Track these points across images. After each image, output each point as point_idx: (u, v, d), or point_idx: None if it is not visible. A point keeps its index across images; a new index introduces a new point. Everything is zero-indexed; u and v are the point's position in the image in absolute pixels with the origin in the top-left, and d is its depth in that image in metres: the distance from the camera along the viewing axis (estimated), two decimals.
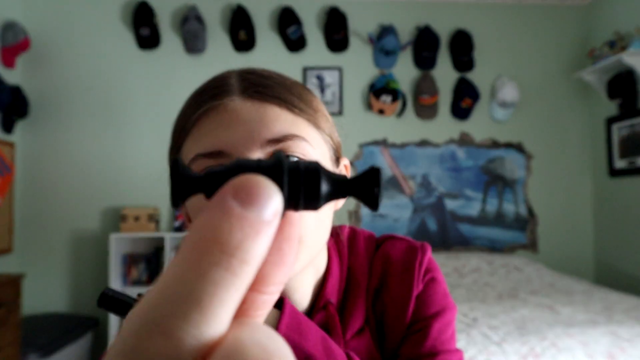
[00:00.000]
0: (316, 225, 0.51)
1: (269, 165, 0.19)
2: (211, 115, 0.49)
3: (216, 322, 0.15)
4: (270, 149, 0.47)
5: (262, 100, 0.49)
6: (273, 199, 0.17)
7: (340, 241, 0.62)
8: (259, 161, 0.19)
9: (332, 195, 0.20)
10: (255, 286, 0.18)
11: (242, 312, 0.18)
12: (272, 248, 0.18)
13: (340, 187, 0.20)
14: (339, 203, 0.59)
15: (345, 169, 0.60)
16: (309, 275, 0.55)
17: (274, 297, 0.19)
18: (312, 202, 0.19)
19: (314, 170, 0.19)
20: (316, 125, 0.52)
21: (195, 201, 0.51)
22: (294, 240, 0.18)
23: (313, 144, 0.50)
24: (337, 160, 0.57)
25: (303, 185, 0.19)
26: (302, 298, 0.55)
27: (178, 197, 0.19)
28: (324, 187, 0.19)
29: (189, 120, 0.51)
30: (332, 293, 0.57)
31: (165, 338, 0.14)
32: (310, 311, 0.56)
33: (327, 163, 0.53)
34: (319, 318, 0.55)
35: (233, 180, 0.17)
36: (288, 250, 0.18)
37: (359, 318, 0.57)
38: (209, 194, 0.19)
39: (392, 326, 0.58)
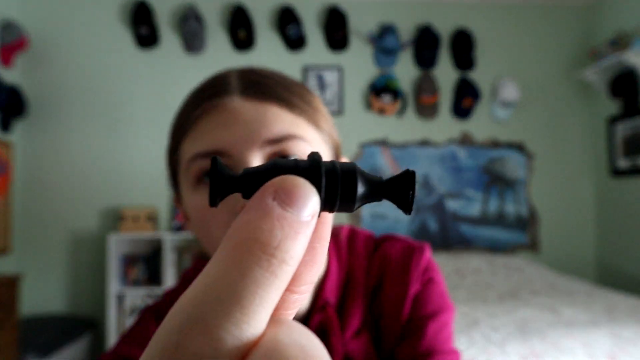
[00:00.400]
0: None
1: (306, 165, 0.19)
2: (210, 115, 0.48)
3: (256, 321, 0.15)
4: (269, 149, 0.47)
5: (261, 100, 0.49)
6: (311, 199, 0.17)
7: (340, 241, 0.62)
8: (296, 161, 0.19)
9: (368, 198, 0.20)
10: (289, 285, 0.18)
11: (274, 311, 0.18)
12: (307, 248, 0.18)
13: (375, 189, 0.20)
14: None
15: None
16: None
17: (306, 297, 0.19)
18: (348, 203, 0.19)
19: (351, 171, 0.19)
20: (316, 124, 0.52)
21: (196, 201, 0.50)
22: (326, 240, 0.19)
23: (312, 144, 0.50)
24: (336, 159, 0.56)
25: (340, 187, 0.19)
26: None
27: (217, 195, 0.19)
28: (360, 189, 0.20)
29: (188, 120, 0.50)
30: (331, 294, 0.56)
31: (207, 336, 0.14)
32: (309, 312, 0.56)
33: None
34: (317, 319, 0.54)
35: (272, 181, 0.17)
36: (320, 250, 0.18)
37: (357, 319, 0.56)
38: (246, 194, 0.19)
39: (388, 326, 0.57)
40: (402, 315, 0.57)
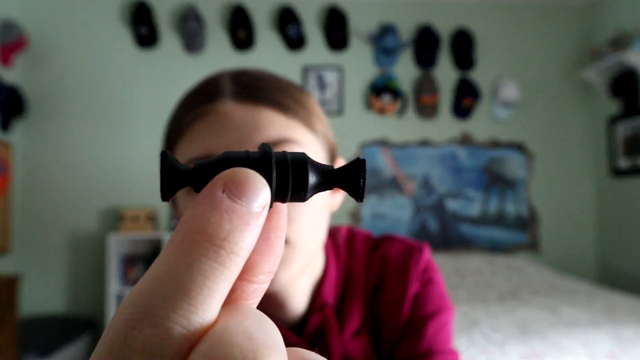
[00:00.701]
0: (309, 228, 0.49)
1: (257, 157, 0.19)
2: (204, 120, 0.48)
3: (205, 311, 0.15)
4: None
5: (255, 104, 0.48)
6: (261, 191, 0.17)
7: (338, 242, 0.62)
8: (246, 153, 0.19)
9: (319, 187, 0.20)
10: (245, 275, 0.18)
11: (231, 301, 0.18)
12: (260, 238, 0.18)
13: (327, 178, 0.20)
14: (335, 204, 0.58)
15: None
16: (306, 278, 0.55)
17: (264, 286, 0.19)
18: (300, 193, 0.20)
19: (301, 161, 0.20)
20: (310, 127, 0.52)
21: (188, 199, 0.50)
22: (282, 230, 0.19)
23: (307, 147, 0.50)
24: (332, 161, 0.56)
25: (291, 177, 0.19)
26: (299, 302, 0.55)
27: (167, 190, 0.19)
28: (312, 178, 0.20)
29: (181, 124, 0.50)
30: (329, 294, 0.56)
31: (154, 327, 0.14)
32: (307, 313, 0.56)
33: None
34: (316, 319, 0.54)
35: (222, 174, 0.17)
36: (276, 240, 0.19)
37: (356, 319, 0.56)
38: (197, 188, 0.19)
39: (388, 327, 0.57)
40: (401, 315, 0.57)
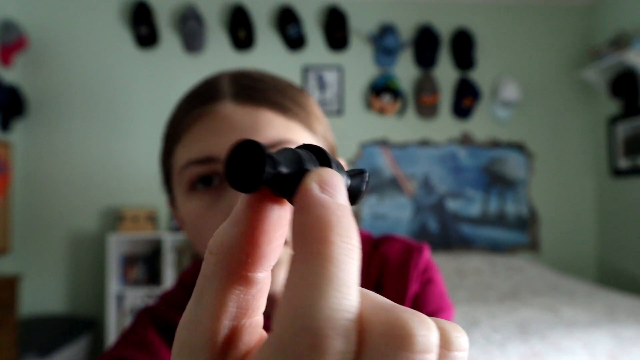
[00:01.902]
0: None
1: (317, 157, 0.20)
2: (203, 121, 0.48)
3: (358, 301, 0.17)
4: None
5: (254, 105, 0.48)
6: (343, 183, 0.18)
7: None
8: (309, 154, 0.20)
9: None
10: (254, 269, 0.19)
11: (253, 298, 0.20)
12: (272, 234, 0.20)
13: (353, 179, 0.22)
14: None
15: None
16: None
17: (268, 284, 0.21)
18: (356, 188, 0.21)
19: (339, 163, 0.21)
20: (310, 128, 0.52)
21: (190, 207, 0.50)
22: (287, 226, 0.21)
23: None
24: None
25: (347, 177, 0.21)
26: None
27: (257, 183, 0.18)
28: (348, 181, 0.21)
29: (180, 125, 0.50)
30: None
31: (338, 332, 0.16)
32: None
33: None
34: None
35: (313, 176, 0.18)
36: (281, 238, 0.20)
37: None
38: (287, 194, 0.19)
39: None
40: None
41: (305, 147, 0.20)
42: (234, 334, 0.19)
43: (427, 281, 0.59)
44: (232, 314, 0.19)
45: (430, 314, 0.57)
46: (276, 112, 0.49)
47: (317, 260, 0.17)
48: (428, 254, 0.61)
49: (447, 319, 0.58)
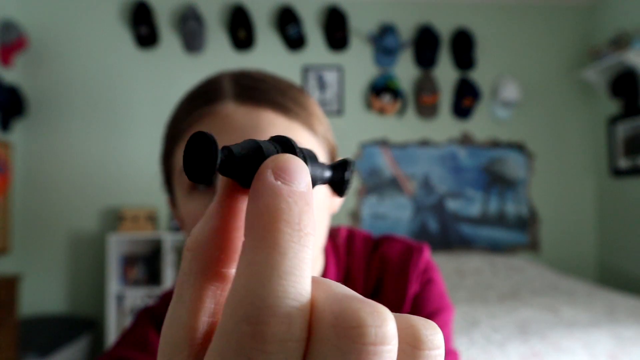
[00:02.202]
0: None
1: (281, 143, 0.20)
2: (204, 121, 0.48)
3: (308, 289, 0.17)
4: None
5: (255, 106, 0.48)
6: (305, 171, 0.18)
7: (338, 242, 0.61)
8: (273, 144, 0.20)
9: (320, 180, 0.21)
10: (224, 266, 0.20)
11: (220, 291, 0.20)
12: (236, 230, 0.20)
13: (332, 169, 0.22)
14: (335, 206, 0.58)
15: None
16: None
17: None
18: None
19: (311, 153, 0.21)
20: (311, 128, 0.52)
21: (190, 207, 0.50)
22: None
23: (309, 147, 0.50)
24: (332, 162, 0.56)
25: (310, 165, 0.20)
26: None
27: (210, 173, 0.18)
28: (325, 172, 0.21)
29: (181, 126, 0.50)
30: None
31: (277, 317, 0.16)
32: None
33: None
34: None
35: (265, 163, 0.18)
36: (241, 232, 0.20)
37: None
38: (244, 182, 0.19)
39: None
40: None
41: (273, 139, 0.20)
42: (212, 329, 0.20)
43: (427, 281, 0.59)
44: (210, 310, 0.19)
45: (430, 313, 0.57)
46: (277, 113, 0.49)
47: (262, 248, 0.17)
48: (428, 254, 0.61)
49: (447, 319, 0.58)
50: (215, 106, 0.48)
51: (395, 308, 0.57)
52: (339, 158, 0.58)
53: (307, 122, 0.51)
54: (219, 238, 0.19)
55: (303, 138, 0.50)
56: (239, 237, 0.19)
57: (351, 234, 0.64)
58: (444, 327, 0.57)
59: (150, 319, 0.58)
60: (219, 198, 0.19)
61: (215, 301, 0.19)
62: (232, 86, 0.50)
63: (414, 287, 0.58)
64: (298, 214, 0.17)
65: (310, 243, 0.17)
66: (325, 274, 0.57)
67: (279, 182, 0.17)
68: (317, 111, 0.54)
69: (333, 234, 0.63)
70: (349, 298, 0.17)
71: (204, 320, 0.19)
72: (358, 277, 0.59)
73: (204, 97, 0.50)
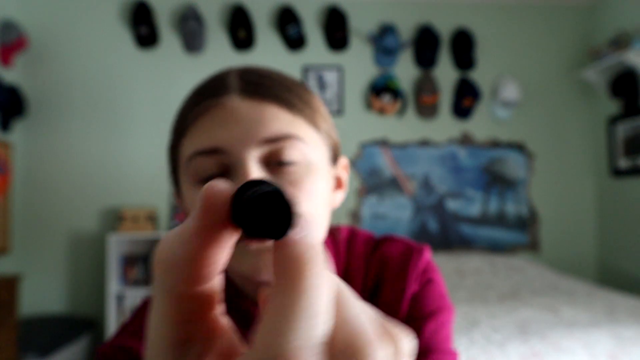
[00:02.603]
0: (311, 206, 0.50)
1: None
2: (210, 114, 0.49)
3: (326, 328, 0.19)
4: (267, 148, 0.48)
5: (260, 100, 0.49)
6: (315, 223, 0.20)
7: (338, 241, 0.61)
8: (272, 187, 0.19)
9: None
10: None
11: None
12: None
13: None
14: (336, 202, 0.58)
15: (343, 168, 0.60)
16: None
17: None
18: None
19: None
20: (314, 125, 0.52)
21: (195, 198, 0.50)
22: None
23: (310, 145, 0.51)
24: (335, 159, 0.57)
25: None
26: None
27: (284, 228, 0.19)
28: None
29: (187, 118, 0.51)
30: None
31: (314, 352, 0.18)
32: None
33: (325, 163, 0.53)
34: None
35: (295, 216, 0.19)
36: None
37: None
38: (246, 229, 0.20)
39: None
40: (399, 315, 0.57)
41: (255, 183, 0.20)
42: (191, 334, 0.21)
43: (427, 281, 0.59)
44: (183, 317, 0.20)
45: (429, 313, 0.57)
46: (281, 107, 0.50)
47: (292, 293, 0.18)
48: (429, 255, 0.61)
49: (446, 319, 0.58)
50: (221, 99, 0.49)
51: (392, 308, 0.57)
52: (342, 157, 0.59)
53: (311, 119, 0.52)
54: (191, 264, 0.19)
55: (306, 134, 0.51)
56: (209, 264, 0.20)
57: (353, 234, 0.63)
58: (442, 328, 0.57)
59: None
60: (199, 227, 0.19)
61: (189, 309, 0.20)
62: (237, 81, 0.51)
63: (412, 287, 0.58)
64: (320, 262, 0.19)
65: (328, 283, 0.19)
66: None
67: (304, 235, 0.19)
68: (321, 108, 0.55)
69: (334, 232, 0.62)
70: (359, 324, 0.19)
71: (179, 327, 0.20)
72: (357, 276, 0.59)
73: (210, 90, 0.51)
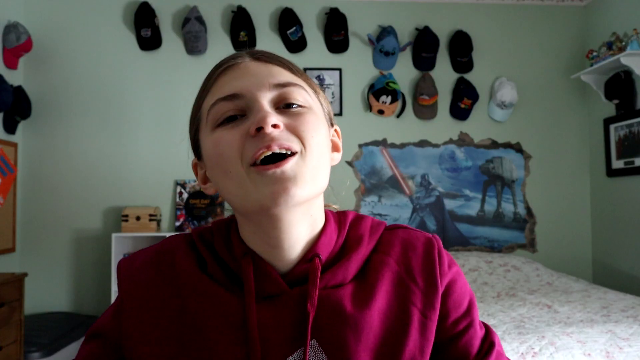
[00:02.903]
0: (318, 149, 0.54)
1: None
2: (228, 72, 0.58)
3: None
4: (276, 92, 0.55)
5: (268, 62, 0.58)
6: None
7: (344, 218, 0.64)
8: None
9: None
10: None
11: None
12: None
13: None
14: (335, 160, 0.63)
15: (336, 133, 0.65)
16: (304, 225, 0.57)
17: None
18: None
19: None
20: (312, 88, 0.60)
21: (214, 137, 0.55)
22: None
23: (311, 96, 0.58)
24: (330, 125, 0.62)
25: None
26: (293, 246, 0.56)
27: None
28: None
29: (208, 82, 0.60)
30: (323, 250, 0.58)
31: None
32: (297, 265, 0.57)
33: (323, 121, 0.59)
34: (301, 268, 0.56)
35: None
36: None
37: (342, 274, 0.58)
38: None
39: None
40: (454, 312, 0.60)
41: None
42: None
43: (457, 273, 0.62)
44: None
45: (469, 304, 0.61)
46: (285, 69, 0.59)
47: None
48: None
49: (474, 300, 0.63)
50: (236, 61, 0.58)
51: (427, 293, 0.58)
52: (336, 126, 0.64)
53: (309, 83, 0.61)
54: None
55: (307, 91, 0.58)
56: None
57: (360, 217, 0.65)
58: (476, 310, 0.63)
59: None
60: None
61: None
62: (249, 52, 0.61)
63: (447, 278, 0.60)
64: None
65: None
66: (323, 232, 0.59)
67: None
68: (315, 82, 0.63)
69: (341, 214, 0.65)
70: None
71: None
72: (356, 245, 0.60)
73: (228, 58, 0.60)
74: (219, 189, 0.57)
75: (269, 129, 0.51)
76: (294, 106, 0.55)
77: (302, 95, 0.56)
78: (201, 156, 0.60)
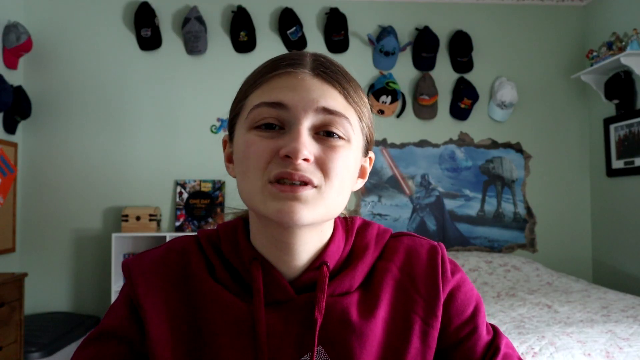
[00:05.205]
0: (339, 185, 0.55)
1: None
2: (283, 77, 0.56)
3: None
4: (321, 116, 0.54)
5: (326, 80, 0.57)
6: None
7: (351, 225, 0.65)
8: None
9: None
10: None
11: None
12: None
13: None
14: (357, 186, 0.64)
15: (369, 160, 0.66)
16: (315, 236, 0.58)
17: None
18: None
19: None
20: (360, 116, 0.59)
21: (247, 137, 0.56)
22: None
23: (354, 129, 0.57)
24: (367, 150, 0.63)
25: None
26: (300, 255, 0.58)
27: None
28: None
29: (260, 76, 0.58)
30: (331, 259, 0.59)
31: None
32: (305, 271, 0.59)
33: (359, 152, 0.60)
34: (309, 276, 0.58)
35: None
36: None
37: (352, 283, 0.59)
38: None
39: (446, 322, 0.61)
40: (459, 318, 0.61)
41: None
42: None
43: (461, 279, 0.63)
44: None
45: (475, 307, 0.61)
46: (340, 93, 0.57)
47: None
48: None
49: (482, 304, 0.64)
50: (295, 69, 0.57)
51: (428, 303, 0.60)
52: (370, 152, 0.64)
53: (359, 110, 0.59)
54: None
55: (353, 120, 0.57)
56: None
57: (367, 223, 0.67)
58: (483, 314, 0.63)
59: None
60: None
61: None
62: (311, 61, 0.59)
63: (450, 285, 0.61)
64: None
65: None
66: (330, 241, 0.60)
67: None
68: (367, 105, 0.62)
69: (348, 220, 0.66)
70: None
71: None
72: (362, 253, 0.61)
73: (287, 61, 0.58)
74: (237, 178, 0.58)
75: (299, 161, 0.51)
76: (334, 136, 0.55)
77: (345, 127, 0.56)
78: (232, 138, 0.61)
